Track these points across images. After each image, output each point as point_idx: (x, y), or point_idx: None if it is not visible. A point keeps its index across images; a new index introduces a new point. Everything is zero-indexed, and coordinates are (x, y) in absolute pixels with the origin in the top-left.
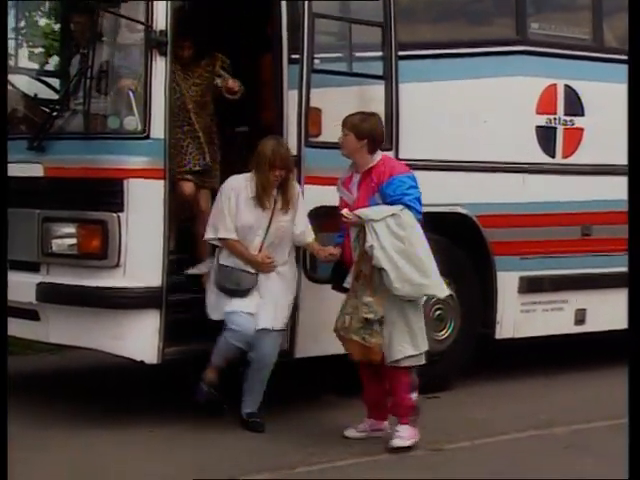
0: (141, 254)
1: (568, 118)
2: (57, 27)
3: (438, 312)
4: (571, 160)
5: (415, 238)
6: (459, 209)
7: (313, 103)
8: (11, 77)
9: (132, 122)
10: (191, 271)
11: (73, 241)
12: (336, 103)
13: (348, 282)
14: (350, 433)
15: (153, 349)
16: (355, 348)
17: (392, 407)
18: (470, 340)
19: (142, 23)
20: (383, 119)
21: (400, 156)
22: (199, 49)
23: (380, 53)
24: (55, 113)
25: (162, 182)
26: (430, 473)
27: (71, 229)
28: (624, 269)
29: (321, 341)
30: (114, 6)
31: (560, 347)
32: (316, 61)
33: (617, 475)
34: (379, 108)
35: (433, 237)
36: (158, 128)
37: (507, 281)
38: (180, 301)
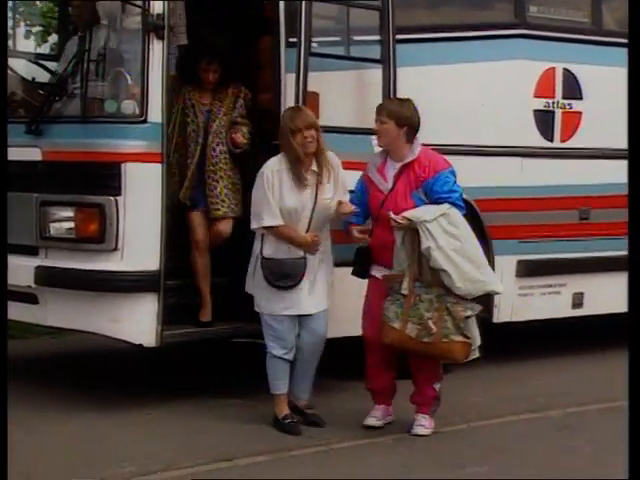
0: (139, 238)
1: (566, 102)
2: (55, 9)
3: None
4: (569, 144)
5: (468, 235)
6: None
7: (311, 87)
8: (9, 60)
9: (129, 106)
10: None
11: (71, 225)
12: (334, 87)
13: (405, 288)
14: (372, 422)
15: (151, 332)
16: (458, 348)
17: (416, 397)
18: None
19: (139, 6)
20: None
21: None
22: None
23: (378, 37)
24: (53, 97)
25: (159, 166)
26: (427, 456)
27: (69, 213)
28: (621, 253)
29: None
30: None
31: (557, 330)
32: (314, 45)
33: (611, 457)
34: (377, 92)
35: None
36: (156, 112)
37: (505, 265)
38: (178, 285)
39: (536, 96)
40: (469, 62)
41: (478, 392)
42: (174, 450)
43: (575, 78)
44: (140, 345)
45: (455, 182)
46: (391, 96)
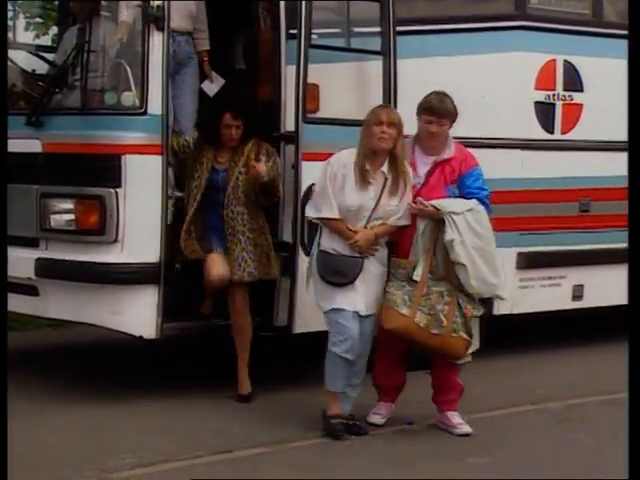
0: (139, 229)
1: (567, 94)
2: (56, 1)
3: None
4: (570, 136)
5: (491, 238)
6: None
7: (311, 79)
8: (9, 52)
9: (129, 98)
10: None
11: (71, 217)
12: (334, 79)
13: (418, 275)
14: (376, 419)
15: (152, 324)
16: (461, 345)
17: (443, 394)
18: None
19: None
20: (381, 95)
21: None
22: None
23: (378, 29)
24: (53, 89)
25: (160, 157)
26: (428, 447)
27: (69, 205)
28: (622, 245)
29: (320, 316)
30: None
31: (557, 323)
32: (314, 36)
33: (611, 449)
34: (377, 84)
35: None
36: (155, 104)
37: (505, 257)
38: (179, 276)
39: (537, 88)
40: (470, 54)
41: (478, 384)
42: (174, 442)
43: (576, 70)
44: (140, 337)
45: (484, 180)
46: (391, 89)
